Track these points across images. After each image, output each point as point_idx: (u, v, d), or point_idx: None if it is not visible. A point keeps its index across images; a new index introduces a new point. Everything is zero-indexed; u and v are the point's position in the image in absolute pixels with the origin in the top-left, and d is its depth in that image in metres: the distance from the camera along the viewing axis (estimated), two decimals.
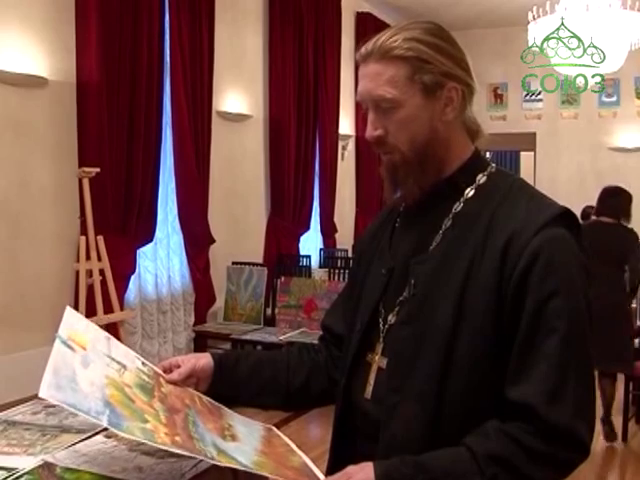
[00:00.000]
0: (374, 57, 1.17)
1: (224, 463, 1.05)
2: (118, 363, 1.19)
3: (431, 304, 1.15)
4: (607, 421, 4.37)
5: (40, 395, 0.99)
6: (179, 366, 1.28)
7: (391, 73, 1.15)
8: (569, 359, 1.07)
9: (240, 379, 1.34)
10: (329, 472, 1.21)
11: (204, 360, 1.31)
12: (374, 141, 1.20)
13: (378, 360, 1.23)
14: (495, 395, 1.10)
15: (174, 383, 1.25)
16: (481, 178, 1.22)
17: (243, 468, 1.06)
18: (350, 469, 1.07)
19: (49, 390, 1.00)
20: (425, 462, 1.06)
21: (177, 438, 1.04)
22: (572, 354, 1.07)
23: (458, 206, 1.20)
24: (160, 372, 1.26)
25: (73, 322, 1.21)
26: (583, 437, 1.06)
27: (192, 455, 1.03)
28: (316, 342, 1.47)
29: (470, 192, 1.20)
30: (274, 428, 1.31)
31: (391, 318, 1.22)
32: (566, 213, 1.16)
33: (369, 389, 1.23)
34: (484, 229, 1.15)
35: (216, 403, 1.28)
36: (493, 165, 1.25)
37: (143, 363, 1.25)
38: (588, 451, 1.08)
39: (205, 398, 1.27)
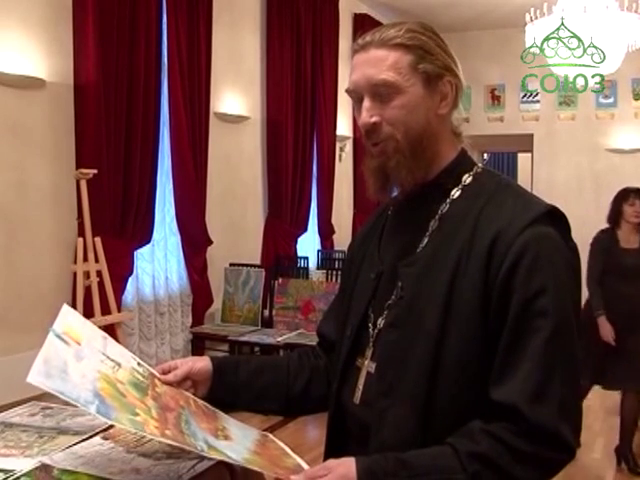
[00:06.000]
0: (375, 44, 1.16)
1: (213, 455, 1.05)
2: (112, 361, 1.18)
3: (419, 306, 1.14)
4: (623, 453, 4.00)
5: (28, 380, 0.97)
6: (177, 368, 1.28)
7: (394, 59, 1.15)
8: (554, 359, 1.06)
9: (240, 383, 1.33)
10: None
11: (201, 363, 1.30)
12: (369, 128, 1.18)
13: (367, 365, 1.22)
14: (485, 395, 1.09)
15: (169, 384, 1.24)
16: (467, 178, 1.21)
17: (233, 462, 1.06)
18: (330, 463, 1.07)
19: (38, 376, 0.99)
20: (407, 459, 1.06)
21: (167, 432, 1.04)
22: (557, 354, 1.06)
23: (444, 207, 1.19)
24: (156, 373, 1.26)
25: (69, 318, 1.20)
26: (567, 438, 1.05)
27: (182, 446, 1.03)
28: (315, 343, 1.47)
29: (456, 193, 1.20)
30: (270, 435, 1.30)
31: (380, 322, 1.22)
32: (553, 211, 1.14)
33: (358, 394, 1.23)
34: (470, 229, 1.14)
35: (211, 407, 1.27)
36: (479, 165, 1.24)
37: (139, 364, 1.25)
38: (574, 452, 1.07)
39: (200, 402, 1.26)
